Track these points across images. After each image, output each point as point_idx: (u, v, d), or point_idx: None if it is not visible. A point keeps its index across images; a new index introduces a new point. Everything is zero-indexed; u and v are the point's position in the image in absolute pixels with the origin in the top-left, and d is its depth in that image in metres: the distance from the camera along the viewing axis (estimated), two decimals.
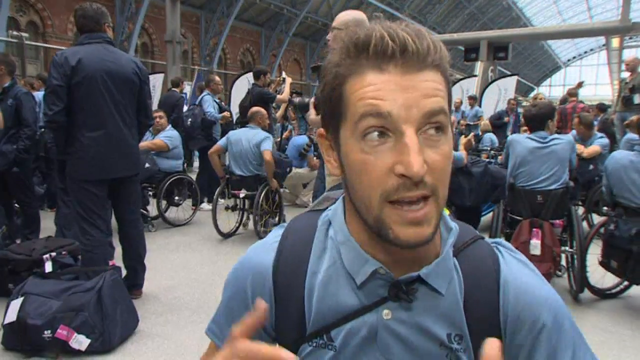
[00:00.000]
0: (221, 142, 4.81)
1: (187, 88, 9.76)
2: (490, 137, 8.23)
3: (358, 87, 0.56)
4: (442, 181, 0.57)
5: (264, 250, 0.72)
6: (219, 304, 0.75)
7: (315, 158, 6.40)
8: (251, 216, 4.82)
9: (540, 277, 0.67)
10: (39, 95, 4.91)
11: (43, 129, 4.52)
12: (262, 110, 4.86)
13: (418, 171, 0.53)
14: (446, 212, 0.70)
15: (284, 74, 6.33)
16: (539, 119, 3.33)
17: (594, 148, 4.78)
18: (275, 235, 0.74)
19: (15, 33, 12.66)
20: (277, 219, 4.92)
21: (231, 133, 4.77)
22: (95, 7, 2.88)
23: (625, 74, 7.08)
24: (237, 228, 4.97)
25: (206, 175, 6.01)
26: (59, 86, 2.67)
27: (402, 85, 0.54)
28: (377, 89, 0.55)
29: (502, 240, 0.72)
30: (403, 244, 0.57)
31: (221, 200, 4.94)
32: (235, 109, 7.48)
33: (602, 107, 9.24)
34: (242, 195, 4.68)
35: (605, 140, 4.95)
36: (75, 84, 2.71)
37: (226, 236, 4.83)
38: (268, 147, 4.51)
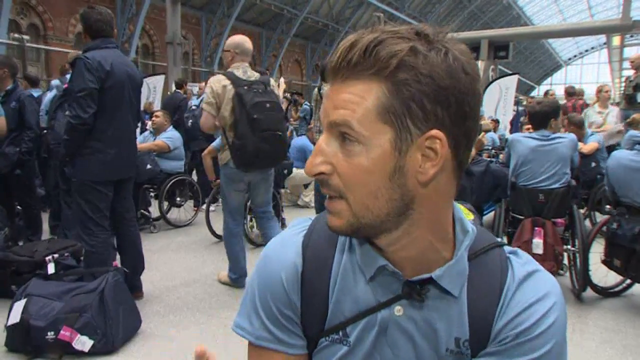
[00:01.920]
0: (215, 143, 4.78)
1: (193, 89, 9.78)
2: (492, 137, 8.23)
3: None
4: (350, 188, 0.59)
5: (290, 246, 0.72)
6: (248, 306, 0.72)
7: None
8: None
9: (544, 297, 0.62)
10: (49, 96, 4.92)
11: (46, 131, 4.53)
12: None
13: (306, 171, 0.61)
14: (470, 217, 0.70)
15: (282, 79, 6.34)
16: (541, 116, 3.32)
17: (593, 144, 4.78)
18: (297, 229, 0.74)
19: (16, 35, 12.68)
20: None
21: None
22: (109, 11, 2.96)
23: (629, 72, 7.07)
24: None
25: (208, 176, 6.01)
26: (96, 89, 2.71)
27: (328, 95, 0.61)
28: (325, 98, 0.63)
29: (518, 250, 0.69)
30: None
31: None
32: None
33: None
34: None
35: (599, 137, 5.01)
36: (107, 87, 2.77)
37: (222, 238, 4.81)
38: None
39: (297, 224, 0.75)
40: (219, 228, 4.75)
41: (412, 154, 0.57)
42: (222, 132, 3.14)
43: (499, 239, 0.73)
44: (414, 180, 0.58)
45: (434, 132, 0.57)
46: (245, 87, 3.02)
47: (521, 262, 0.67)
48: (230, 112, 3.03)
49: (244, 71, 3.14)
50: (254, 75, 3.15)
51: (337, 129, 0.58)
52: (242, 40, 3.24)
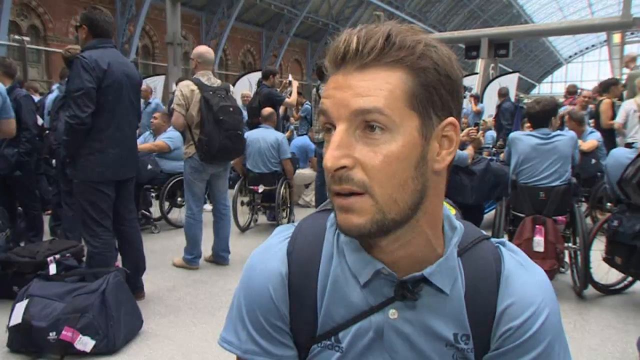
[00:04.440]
0: None
1: None
2: (492, 135, 8.25)
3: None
4: (377, 180, 0.56)
5: (274, 254, 0.70)
6: (234, 318, 0.71)
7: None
8: (259, 212, 5.22)
9: (539, 283, 0.65)
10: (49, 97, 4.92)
11: (47, 131, 4.53)
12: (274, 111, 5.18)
13: (329, 165, 0.56)
14: (452, 211, 0.70)
15: (290, 77, 6.36)
16: (542, 116, 3.32)
17: (592, 142, 4.78)
18: (281, 237, 0.72)
19: (16, 37, 12.69)
20: (284, 213, 5.17)
21: (248, 133, 4.90)
22: (108, 12, 2.98)
23: (626, 70, 7.10)
24: (249, 224, 5.17)
25: None
26: (93, 89, 2.72)
27: (340, 84, 0.57)
28: (326, 89, 0.59)
29: (506, 240, 0.71)
30: (341, 231, 0.60)
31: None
32: None
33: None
34: (260, 190, 4.90)
35: (598, 134, 5.02)
36: (105, 87, 2.77)
37: (242, 231, 5.12)
38: (288, 155, 4.93)
39: (280, 231, 0.74)
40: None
41: (432, 142, 0.59)
42: (189, 129, 3.59)
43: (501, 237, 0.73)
44: (430, 169, 0.59)
45: (451, 119, 0.59)
46: (211, 92, 3.52)
47: (509, 252, 0.69)
48: (197, 113, 3.50)
49: (208, 78, 3.63)
50: (217, 82, 3.68)
51: (362, 117, 0.55)
52: (204, 50, 3.73)
